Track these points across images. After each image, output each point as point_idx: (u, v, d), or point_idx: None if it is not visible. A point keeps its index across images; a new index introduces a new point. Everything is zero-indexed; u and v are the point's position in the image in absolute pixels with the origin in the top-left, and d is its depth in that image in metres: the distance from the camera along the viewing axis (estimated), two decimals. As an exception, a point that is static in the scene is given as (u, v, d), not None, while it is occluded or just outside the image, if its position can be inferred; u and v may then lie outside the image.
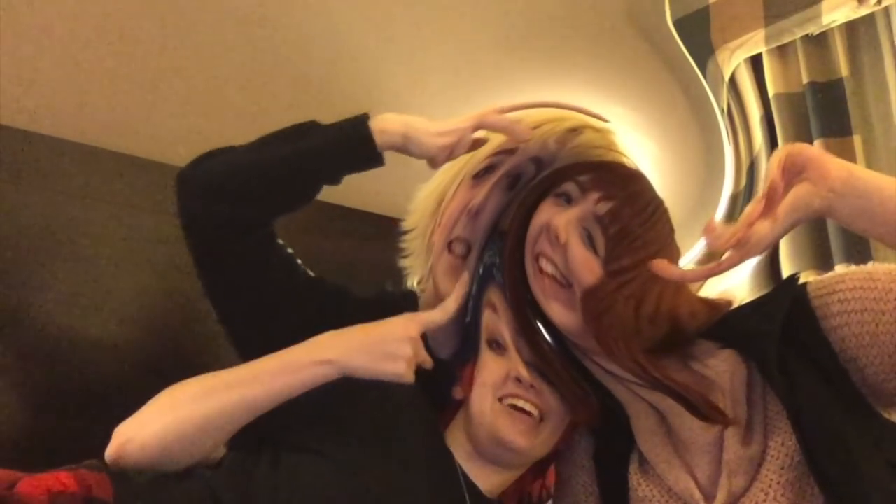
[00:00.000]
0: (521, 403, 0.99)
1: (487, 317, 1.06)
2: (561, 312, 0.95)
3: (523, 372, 0.99)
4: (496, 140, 1.03)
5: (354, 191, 1.64)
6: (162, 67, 1.42)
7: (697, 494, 0.91)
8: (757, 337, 0.89)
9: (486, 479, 1.02)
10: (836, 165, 0.77)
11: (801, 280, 0.92)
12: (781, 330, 0.87)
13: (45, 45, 1.31)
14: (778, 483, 0.85)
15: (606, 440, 1.03)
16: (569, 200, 0.97)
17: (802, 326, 0.86)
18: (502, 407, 0.99)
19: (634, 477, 0.98)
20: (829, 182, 0.76)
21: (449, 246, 1.05)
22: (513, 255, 1.03)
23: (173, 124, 1.48)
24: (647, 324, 0.90)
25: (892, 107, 1.38)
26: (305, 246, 1.58)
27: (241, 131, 1.54)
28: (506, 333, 1.03)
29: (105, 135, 1.43)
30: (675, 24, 1.59)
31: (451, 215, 1.05)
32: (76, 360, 1.35)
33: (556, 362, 1.01)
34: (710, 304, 0.97)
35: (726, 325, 0.93)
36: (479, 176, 1.05)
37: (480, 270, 1.08)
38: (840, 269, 1.35)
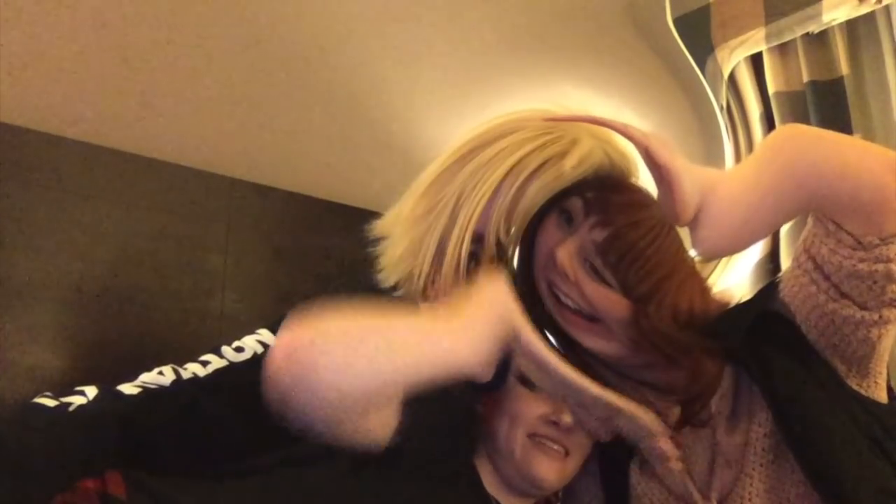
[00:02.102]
0: (550, 444, 1.00)
1: (517, 361, 1.04)
2: (599, 344, 0.95)
3: (568, 420, 0.99)
4: (461, 232, 0.99)
5: (356, 188, 1.65)
6: (162, 66, 1.42)
7: (696, 494, 0.92)
8: (730, 321, 0.92)
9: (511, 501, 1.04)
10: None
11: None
12: (761, 326, 0.89)
13: (44, 43, 1.31)
14: (761, 465, 0.88)
15: (611, 443, 1.04)
16: (569, 221, 0.96)
17: (773, 305, 0.89)
18: (532, 443, 1.00)
19: (635, 477, 1.00)
20: None
21: None
22: (523, 276, 1.02)
23: (173, 123, 1.48)
24: (687, 327, 0.91)
25: (892, 105, 1.39)
26: (306, 243, 1.60)
27: (241, 129, 1.55)
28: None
29: (104, 132, 1.43)
30: (675, 22, 1.59)
31: None
32: (77, 358, 1.35)
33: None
34: (721, 297, 0.99)
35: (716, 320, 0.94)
36: (469, 272, 1.00)
37: None
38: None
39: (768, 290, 0.93)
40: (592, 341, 0.95)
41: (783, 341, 0.88)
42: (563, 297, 0.94)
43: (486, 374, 0.82)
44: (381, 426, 0.79)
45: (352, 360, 0.73)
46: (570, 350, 1.00)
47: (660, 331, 0.89)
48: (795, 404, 0.86)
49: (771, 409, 0.88)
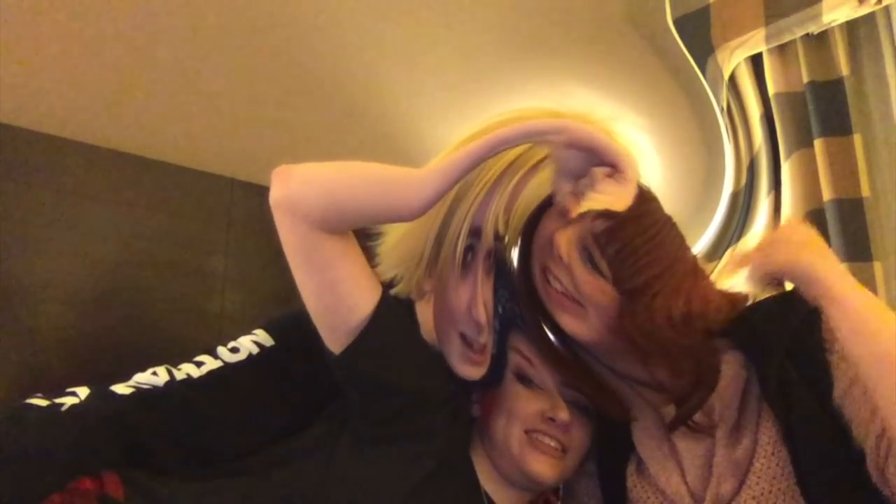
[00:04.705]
0: (547, 440, 1.01)
1: (515, 358, 1.06)
2: (573, 324, 0.95)
3: (564, 416, 1.00)
4: (459, 225, 0.99)
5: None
6: (162, 66, 1.42)
7: (688, 499, 0.92)
8: (764, 348, 0.90)
9: (508, 500, 1.04)
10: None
11: None
12: (788, 344, 0.87)
13: (44, 43, 1.31)
14: (770, 492, 0.87)
15: (608, 443, 1.04)
16: None
17: (807, 341, 0.87)
18: (528, 439, 1.00)
19: (631, 478, 1.00)
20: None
21: (461, 336, 1.01)
22: (522, 268, 1.02)
23: (173, 123, 1.48)
24: (682, 327, 0.90)
25: (892, 106, 1.38)
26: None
27: (241, 130, 1.55)
28: (549, 382, 1.03)
29: (104, 133, 1.43)
30: (676, 23, 1.59)
31: (455, 315, 1.00)
32: (77, 358, 1.35)
33: (591, 384, 1.01)
34: (730, 299, 0.97)
35: (741, 324, 0.93)
36: (465, 264, 1.01)
37: (500, 310, 1.07)
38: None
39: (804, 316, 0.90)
40: (568, 321, 0.95)
41: (806, 359, 0.87)
42: (552, 279, 0.95)
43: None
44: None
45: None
46: (563, 337, 1.01)
47: (640, 325, 0.89)
48: (811, 446, 0.85)
49: (787, 444, 0.87)
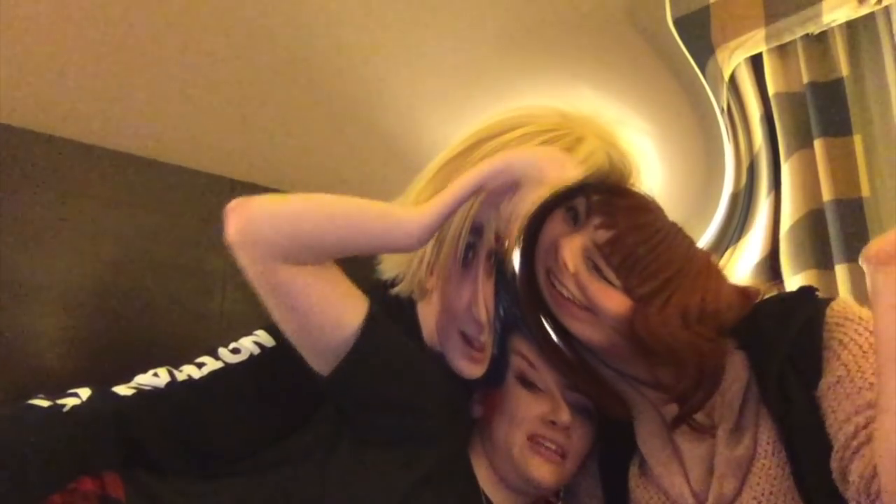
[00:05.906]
0: (548, 444, 1.01)
1: (516, 361, 1.06)
2: (581, 328, 0.94)
3: (566, 418, 1.00)
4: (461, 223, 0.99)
5: (357, 189, 1.65)
6: (162, 66, 1.41)
7: (691, 500, 0.92)
8: (765, 349, 0.90)
9: (507, 502, 1.04)
10: None
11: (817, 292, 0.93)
12: (789, 346, 0.87)
13: (44, 43, 1.31)
14: (771, 493, 0.87)
15: (611, 443, 1.04)
16: (575, 219, 0.97)
17: (808, 344, 0.87)
18: (531, 445, 1.00)
19: (634, 479, 1.00)
20: None
21: (462, 335, 1.01)
22: (525, 269, 1.02)
23: (173, 123, 1.48)
24: (697, 327, 0.89)
25: (892, 107, 1.38)
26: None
27: (241, 131, 1.55)
28: (551, 385, 1.03)
29: (104, 132, 1.43)
30: (676, 23, 1.59)
31: (455, 313, 1.01)
32: (78, 359, 1.35)
33: (593, 385, 1.01)
34: (743, 294, 0.96)
35: (745, 324, 0.93)
36: (466, 262, 1.01)
37: (501, 313, 1.07)
38: (840, 270, 1.36)
39: (808, 302, 0.91)
40: (578, 327, 0.95)
41: (805, 365, 0.87)
42: (558, 286, 0.95)
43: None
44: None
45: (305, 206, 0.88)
46: (565, 338, 1.01)
47: (652, 329, 0.88)
48: (809, 449, 0.85)
49: (786, 447, 0.87)
